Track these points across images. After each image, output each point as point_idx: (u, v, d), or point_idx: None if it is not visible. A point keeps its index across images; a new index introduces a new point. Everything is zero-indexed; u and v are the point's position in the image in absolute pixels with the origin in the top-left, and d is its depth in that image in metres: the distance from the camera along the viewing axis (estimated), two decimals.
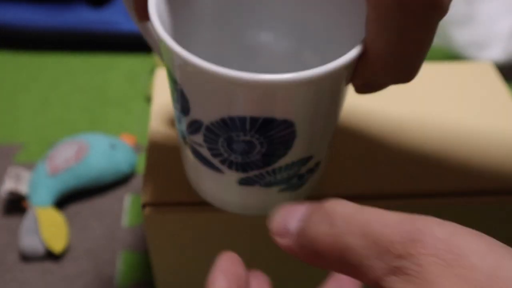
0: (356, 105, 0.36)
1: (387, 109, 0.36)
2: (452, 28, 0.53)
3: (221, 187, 0.28)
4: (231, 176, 0.27)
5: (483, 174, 0.32)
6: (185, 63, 0.22)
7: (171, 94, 0.27)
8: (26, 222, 0.42)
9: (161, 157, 0.33)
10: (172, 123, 0.35)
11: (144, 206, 0.31)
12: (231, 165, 0.26)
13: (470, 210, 0.31)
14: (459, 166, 0.33)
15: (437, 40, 0.55)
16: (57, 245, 0.41)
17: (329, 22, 0.28)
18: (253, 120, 0.23)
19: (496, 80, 0.38)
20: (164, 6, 0.26)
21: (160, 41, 0.23)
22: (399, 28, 0.21)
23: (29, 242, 0.41)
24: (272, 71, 0.32)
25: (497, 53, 0.54)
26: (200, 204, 0.31)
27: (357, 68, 0.23)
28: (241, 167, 0.26)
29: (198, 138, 0.26)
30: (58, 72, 0.57)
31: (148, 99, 0.55)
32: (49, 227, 0.42)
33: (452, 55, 0.59)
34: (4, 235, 0.43)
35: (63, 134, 0.51)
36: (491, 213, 0.32)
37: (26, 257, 0.42)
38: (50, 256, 0.42)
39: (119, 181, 0.47)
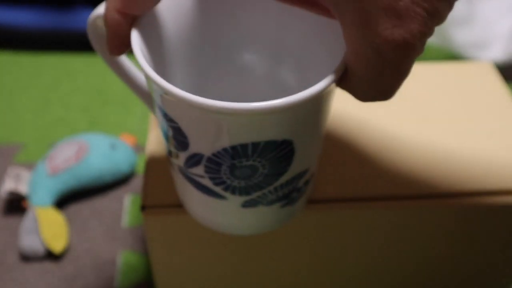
0: (356, 106, 0.36)
1: (386, 110, 0.36)
2: (452, 28, 0.53)
3: (223, 212, 0.28)
4: (235, 201, 0.27)
5: (482, 174, 0.32)
6: (183, 102, 0.22)
7: (162, 133, 0.27)
8: (26, 222, 0.42)
9: (161, 158, 0.33)
10: None
11: (143, 208, 0.31)
12: (234, 190, 0.26)
13: (468, 211, 0.31)
14: (458, 166, 0.33)
15: (437, 40, 0.55)
16: (57, 245, 0.41)
17: (305, 41, 0.29)
18: (255, 145, 0.24)
19: (496, 80, 0.38)
20: (143, 40, 0.26)
21: (153, 83, 0.23)
22: (377, 69, 0.22)
23: (29, 242, 0.41)
24: (255, 91, 0.33)
25: (497, 53, 0.54)
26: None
27: (338, 84, 0.25)
28: (244, 190, 0.26)
29: (198, 170, 0.26)
30: (58, 72, 0.57)
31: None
32: (49, 227, 0.42)
33: (452, 55, 0.59)
34: (4, 235, 0.43)
35: (63, 134, 0.51)
36: (491, 213, 0.32)
37: (26, 257, 0.42)
38: (50, 256, 0.42)
39: (119, 181, 0.47)
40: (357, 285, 0.36)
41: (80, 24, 0.58)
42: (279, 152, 0.25)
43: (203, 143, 0.24)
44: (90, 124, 0.52)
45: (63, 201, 0.46)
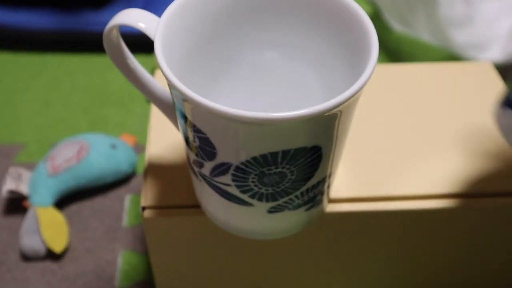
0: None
1: (387, 110, 0.36)
2: (451, 29, 0.53)
3: (249, 218, 0.28)
4: (261, 208, 0.27)
5: (483, 175, 0.32)
6: (216, 114, 0.22)
7: (185, 143, 0.27)
8: (27, 222, 0.42)
9: (161, 159, 0.33)
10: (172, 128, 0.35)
11: (143, 208, 0.31)
12: (261, 197, 0.26)
13: (471, 212, 0.32)
14: (459, 166, 0.33)
15: (437, 41, 0.55)
16: (58, 245, 0.41)
17: (322, 38, 0.29)
18: (285, 152, 0.24)
19: (496, 80, 0.39)
20: (166, 46, 0.26)
21: (181, 96, 0.23)
22: None
23: (29, 242, 0.41)
24: (274, 91, 0.32)
25: (496, 54, 0.54)
26: (200, 206, 0.31)
27: None
28: (271, 197, 0.26)
29: (225, 179, 0.26)
30: (58, 72, 0.57)
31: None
32: (49, 227, 0.42)
33: (451, 56, 0.59)
34: (5, 234, 0.44)
35: (63, 134, 0.51)
36: (491, 214, 0.32)
37: (27, 257, 0.42)
38: (51, 255, 0.42)
39: (120, 181, 0.47)
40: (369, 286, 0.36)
41: (80, 24, 0.58)
42: (308, 158, 0.25)
43: (232, 153, 0.24)
44: (90, 124, 0.52)
45: (64, 201, 0.46)
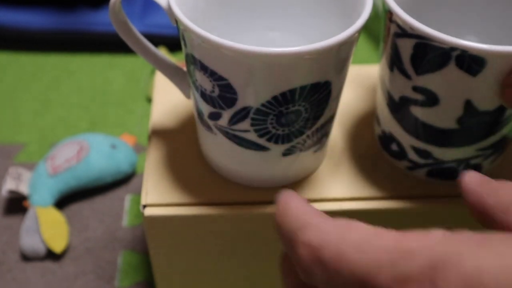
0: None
1: None
2: None
3: (265, 164, 0.30)
4: (277, 150, 0.29)
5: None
6: (241, 54, 0.24)
7: (200, 96, 0.28)
8: (27, 221, 0.42)
9: (161, 158, 0.33)
10: (172, 122, 0.35)
11: (144, 207, 0.31)
12: (277, 139, 0.28)
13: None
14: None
15: None
16: (58, 245, 0.41)
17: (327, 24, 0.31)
18: (302, 89, 0.26)
19: None
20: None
21: (205, 41, 0.24)
22: None
23: (29, 241, 0.41)
24: None
25: None
26: (200, 204, 0.31)
27: None
28: (287, 138, 0.28)
29: (244, 125, 0.27)
30: (59, 72, 0.57)
31: (148, 99, 0.55)
32: (49, 227, 0.42)
33: None
34: (5, 234, 0.43)
35: (63, 134, 0.51)
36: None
37: (27, 257, 0.42)
38: (51, 255, 0.42)
39: (120, 181, 0.47)
40: None
41: (80, 25, 0.58)
42: (320, 93, 0.27)
43: (253, 95, 0.26)
44: (90, 124, 0.52)
45: (64, 201, 0.46)
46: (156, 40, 0.58)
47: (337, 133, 0.35)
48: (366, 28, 0.61)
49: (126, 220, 0.44)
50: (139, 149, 0.50)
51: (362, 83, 0.38)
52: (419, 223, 0.32)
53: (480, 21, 0.33)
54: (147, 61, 0.32)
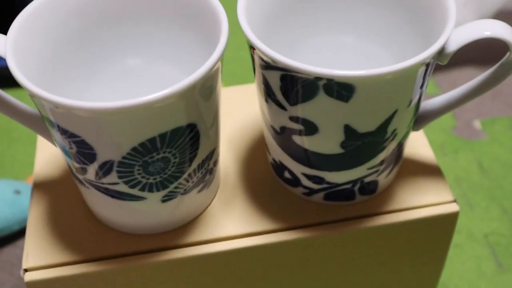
0: None
1: None
2: None
3: (145, 212, 0.28)
4: (154, 198, 0.27)
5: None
6: (81, 111, 0.23)
7: (64, 152, 0.27)
8: None
9: (44, 212, 0.31)
10: (57, 172, 0.33)
11: (25, 271, 0.29)
12: (151, 188, 0.27)
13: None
14: None
15: None
16: None
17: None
18: (162, 136, 0.24)
19: None
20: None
21: (46, 103, 0.23)
22: None
23: None
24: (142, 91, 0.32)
25: None
26: (86, 261, 0.29)
27: None
28: (161, 185, 0.27)
29: (111, 178, 0.26)
30: None
31: (18, 121, 0.52)
32: None
33: None
34: None
35: None
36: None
37: None
38: None
39: None
40: None
41: None
42: (186, 137, 0.25)
43: (110, 149, 0.24)
44: None
45: None
46: None
47: (229, 159, 0.33)
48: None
49: None
50: None
51: (251, 102, 0.36)
52: (319, 250, 0.30)
53: (359, 17, 0.31)
54: (8, 115, 0.29)
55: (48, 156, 0.34)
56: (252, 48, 0.26)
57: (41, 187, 0.32)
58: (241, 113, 0.35)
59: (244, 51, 0.26)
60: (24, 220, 0.43)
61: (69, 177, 0.33)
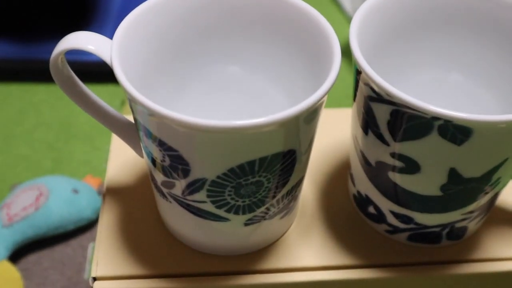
0: None
1: None
2: None
3: (224, 234, 0.28)
4: (237, 221, 0.27)
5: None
6: (190, 127, 0.22)
7: (151, 164, 0.26)
8: None
9: (116, 221, 0.30)
10: (130, 181, 0.32)
11: (94, 279, 0.28)
12: (237, 210, 0.26)
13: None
14: None
15: None
16: None
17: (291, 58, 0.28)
18: (262, 160, 0.23)
19: None
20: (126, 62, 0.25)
21: (149, 112, 0.22)
22: None
23: None
24: (240, 108, 0.31)
25: None
26: (159, 276, 0.28)
27: None
28: (248, 208, 0.26)
29: (199, 196, 0.25)
30: (22, 104, 0.54)
31: (107, 127, 0.51)
32: (2, 285, 0.38)
33: None
34: None
35: (25, 174, 0.48)
36: None
37: None
38: None
39: (83, 228, 0.44)
40: None
41: (44, 54, 0.54)
42: (284, 163, 0.24)
43: (207, 167, 0.24)
44: (54, 163, 0.49)
45: (21, 251, 0.42)
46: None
47: (308, 189, 0.32)
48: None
49: (89, 271, 0.41)
50: None
51: (336, 127, 0.34)
52: None
53: (468, 54, 0.30)
54: (96, 119, 0.29)
55: (121, 163, 0.33)
56: (358, 73, 0.25)
57: (113, 193, 0.32)
58: (326, 138, 0.34)
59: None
60: (80, 221, 0.43)
61: (143, 187, 0.32)
